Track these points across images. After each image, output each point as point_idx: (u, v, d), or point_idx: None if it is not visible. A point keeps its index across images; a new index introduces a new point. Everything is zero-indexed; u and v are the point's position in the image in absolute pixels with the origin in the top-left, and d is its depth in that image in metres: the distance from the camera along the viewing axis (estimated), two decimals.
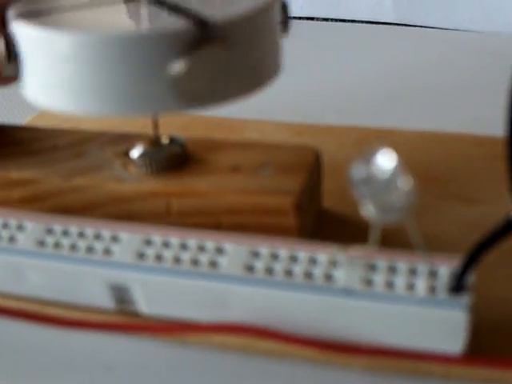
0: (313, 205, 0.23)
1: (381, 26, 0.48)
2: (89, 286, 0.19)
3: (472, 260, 0.18)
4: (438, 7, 0.49)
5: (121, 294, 0.19)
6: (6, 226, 0.20)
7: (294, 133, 0.31)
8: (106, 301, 0.19)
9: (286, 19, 0.21)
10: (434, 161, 0.28)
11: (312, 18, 0.49)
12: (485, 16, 0.48)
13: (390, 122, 0.33)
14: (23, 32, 0.20)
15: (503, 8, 0.48)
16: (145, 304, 0.19)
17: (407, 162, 0.29)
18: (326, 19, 0.49)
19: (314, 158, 0.23)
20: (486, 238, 0.18)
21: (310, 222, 0.23)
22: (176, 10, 0.20)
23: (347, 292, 0.18)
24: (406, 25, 0.48)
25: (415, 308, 0.17)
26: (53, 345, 0.20)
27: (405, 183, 0.16)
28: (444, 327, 0.17)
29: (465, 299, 0.18)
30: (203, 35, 0.18)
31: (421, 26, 0.48)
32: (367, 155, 0.15)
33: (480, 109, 0.34)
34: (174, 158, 0.23)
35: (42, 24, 0.19)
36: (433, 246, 0.22)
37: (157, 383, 0.19)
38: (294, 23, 0.50)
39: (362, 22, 0.49)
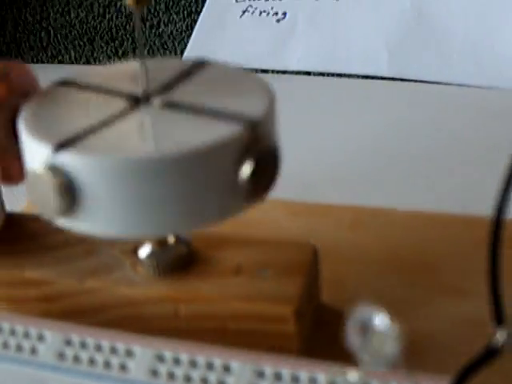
0: (312, 301, 0.25)
1: (376, 80, 0.50)
2: None
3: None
4: (432, 61, 0.50)
5: None
6: (26, 335, 0.22)
7: (290, 212, 0.32)
8: None
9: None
10: (424, 245, 0.30)
11: (309, 73, 0.51)
12: (478, 70, 0.50)
13: (385, 189, 0.35)
14: (82, 163, 0.19)
15: (496, 62, 0.50)
16: None
17: (399, 247, 0.30)
18: (323, 74, 0.51)
19: (312, 256, 0.25)
20: (471, 363, 0.19)
21: (309, 320, 0.25)
22: (217, 113, 0.21)
23: None
24: (401, 79, 0.50)
25: None
26: None
27: (397, 343, 0.17)
28: None
29: None
30: (253, 134, 0.20)
31: (415, 81, 0.50)
32: (361, 317, 0.17)
33: (473, 178, 0.36)
34: (181, 259, 0.24)
35: (99, 151, 0.20)
36: (424, 346, 0.24)
37: None
38: (290, 78, 0.52)
39: (357, 76, 0.50)
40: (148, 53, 0.55)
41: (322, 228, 0.29)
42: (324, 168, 0.38)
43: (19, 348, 0.21)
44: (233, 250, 0.25)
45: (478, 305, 0.26)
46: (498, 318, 0.19)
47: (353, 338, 0.17)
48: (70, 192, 0.19)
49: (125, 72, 0.23)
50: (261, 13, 0.55)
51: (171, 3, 0.58)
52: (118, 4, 0.58)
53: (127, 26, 0.57)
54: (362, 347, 0.17)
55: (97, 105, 0.22)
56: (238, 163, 0.20)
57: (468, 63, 0.50)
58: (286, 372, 0.20)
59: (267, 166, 0.20)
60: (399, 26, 0.52)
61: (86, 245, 0.26)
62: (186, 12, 0.57)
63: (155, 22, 0.57)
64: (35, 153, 0.20)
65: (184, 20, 0.57)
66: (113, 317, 0.24)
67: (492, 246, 0.19)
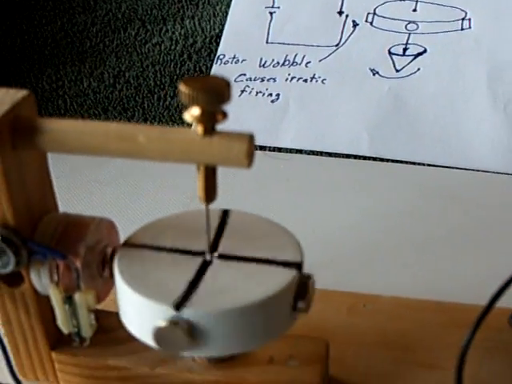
0: (326, 380, 0.33)
1: (358, 160, 0.58)
2: None
3: None
4: (406, 143, 0.59)
5: None
6: None
7: None
8: None
9: (300, 300, 0.30)
10: (404, 327, 0.38)
11: (301, 151, 0.59)
12: (445, 151, 0.58)
13: (368, 269, 0.43)
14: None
15: (461, 145, 0.58)
16: None
17: (385, 330, 0.39)
18: (313, 152, 0.59)
19: (326, 349, 0.33)
20: None
21: None
22: (271, 261, 0.29)
23: None
24: (380, 159, 0.58)
25: None
26: None
27: None
28: None
29: None
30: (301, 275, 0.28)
31: (392, 161, 0.58)
32: None
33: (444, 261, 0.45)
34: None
35: (210, 304, 0.27)
36: None
37: None
38: (283, 156, 0.59)
39: (342, 155, 0.59)
40: (158, 123, 0.62)
41: (325, 314, 0.36)
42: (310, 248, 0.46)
43: None
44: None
45: (446, 375, 0.35)
46: None
47: None
48: (192, 334, 0.27)
49: (183, 228, 0.31)
50: (257, 93, 0.63)
51: (175, 77, 0.65)
52: (127, 75, 0.65)
53: (136, 98, 0.64)
54: None
55: (178, 264, 0.29)
56: (295, 299, 0.28)
57: (437, 145, 0.59)
58: None
59: (310, 293, 0.29)
60: (378, 109, 0.61)
61: None
62: None
63: (162, 95, 0.64)
64: (154, 310, 0.27)
65: None
66: None
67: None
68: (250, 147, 0.26)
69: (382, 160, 0.58)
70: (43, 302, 0.31)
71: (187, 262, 0.29)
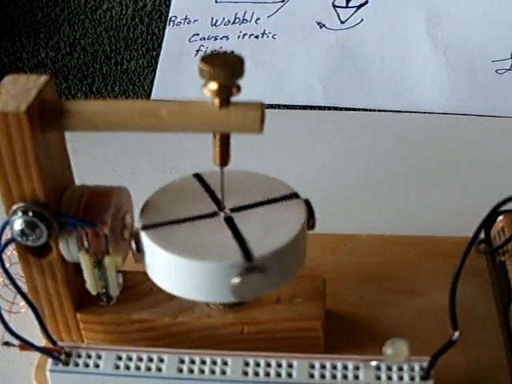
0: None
1: (314, 110, 0.62)
2: None
3: (433, 363, 0.32)
4: (357, 90, 0.63)
5: None
6: (150, 359, 0.33)
7: None
8: None
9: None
10: (384, 261, 0.42)
11: None
12: (393, 96, 0.62)
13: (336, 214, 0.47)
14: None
15: (407, 89, 0.63)
16: None
17: (368, 264, 0.43)
18: (270, 105, 0.62)
19: (323, 285, 0.37)
20: (439, 350, 0.32)
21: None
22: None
23: None
24: (334, 108, 0.62)
25: None
26: None
27: None
28: None
29: (430, 382, 0.32)
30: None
31: (346, 109, 0.62)
32: None
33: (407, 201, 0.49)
34: None
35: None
36: (394, 333, 0.36)
37: None
38: None
39: (298, 107, 0.62)
40: (119, 89, 0.64)
41: (312, 254, 0.40)
42: None
43: (148, 368, 0.32)
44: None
45: (426, 300, 0.39)
46: (454, 325, 0.32)
47: None
48: (265, 275, 0.31)
49: (183, 198, 0.34)
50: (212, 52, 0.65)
51: (129, 41, 0.67)
52: (82, 43, 0.67)
53: (94, 64, 0.66)
54: None
55: (207, 228, 0.32)
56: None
57: (385, 91, 0.63)
58: (318, 363, 0.32)
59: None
60: (327, 60, 0.64)
61: (164, 292, 0.36)
62: (144, 49, 0.67)
63: (119, 59, 0.66)
64: (225, 271, 0.31)
65: (144, 57, 0.66)
66: (196, 337, 0.35)
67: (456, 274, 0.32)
68: (263, 114, 0.29)
69: (335, 109, 0.62)
70: (69, 268, 0.34)
71: (212, 223, 0.32)
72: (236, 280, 0.30)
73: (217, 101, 0.29)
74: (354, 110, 0.62)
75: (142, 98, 0.62)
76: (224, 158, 0.31)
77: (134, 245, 0.33)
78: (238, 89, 0.29)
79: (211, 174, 0.35)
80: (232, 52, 0.28)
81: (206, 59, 0.28)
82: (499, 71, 0.63)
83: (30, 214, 0.30)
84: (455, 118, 0.59)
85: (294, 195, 0.34)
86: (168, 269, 0.32)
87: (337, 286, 0.40)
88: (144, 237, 0.32)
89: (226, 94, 0.28)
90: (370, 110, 0.62)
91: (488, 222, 0.39)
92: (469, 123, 0.59)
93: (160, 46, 0.66)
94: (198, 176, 0.35)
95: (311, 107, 0.62)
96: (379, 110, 0.62)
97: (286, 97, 0.63)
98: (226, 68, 0.28)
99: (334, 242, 0.44)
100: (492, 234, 0.41)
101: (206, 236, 0.32)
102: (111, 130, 0.29)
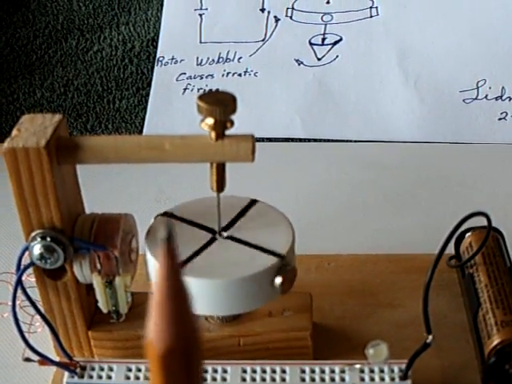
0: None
1: (294, 142, 0.66)
2: None
3: (410, 364, 0.36)
4: (334, 122, 0.67)
5: None
6: None
7: None
8: None
9: None
10: (365, 279, 0.46)
11: None
12: (368, 128, 0.67)
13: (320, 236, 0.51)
14: None
15: (380, 120, 0.67)
16: None
17: (350, 281, 0.47)
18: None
19: (310, 300, 0.41)
20: (415, 353, 0.36)
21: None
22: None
23: None
24: (314, 139, 0.66)
25: None
26: None
27: None
28: None
29: (409, 382, 0.36)
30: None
31: (324, 140, 0.66)
32: None
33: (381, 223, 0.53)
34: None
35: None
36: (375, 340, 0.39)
37: None
38: None
39: (280, 139, 0.66)
40: (112, 126, 0.68)
41: (299, 274, 0.44)
42: None
43: None
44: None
45: (404, 311, 0.43)
46: (428, 329, 0.36)
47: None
48: None
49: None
50: (198, 90, 0.70)
51: (120, 81, 0.71)
52: (75, 83, 0.71)
53: (88, 103, 0.69)
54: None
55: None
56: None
57: (360, 122, 0.67)
58: (308, 368, 0.36)
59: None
60: (306, 95, 0.69)
61: None
62: (134, 88, 0.71)
63: (111, 98, 0.70)
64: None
65: (135, 96, 0.70)
66: None
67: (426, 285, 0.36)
68: (253, 145, 0.33)
69: (315, 140, 0.67)
70: (81, 289, 0.37)
71: (219, 246, 0.36)
72: (278, 279, 0.34)
73: (213, 134, 0.33)
74: (331, 141, 0.66)
75: (134, 134, 0.66)
76: (220, 185, 0.35)
77: None
78: (232, 123, 0.33)
79: (176, 209, 0.38)
80: (226, 92, 0.32)
81: (202, 97, 0.32)
82: (466, 101, 0.68)
83: (48, 239, 0.34)
84: (425, 146, 0.64)
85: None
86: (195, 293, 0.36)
87: (322, 301, 0.44)
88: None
89: (221, 128, 0.32)
90: (347, 141, 0.66)
91: (454, 238, 0.43)
92: (438, 150, 0.63)
93: (149, 85, 0.70)
94: (168, 214, 0.38)
95: (292, 139, 0.66)
96: (355, 141, 0.66)
97: (268, 130, 0.67)
98: (220, 105, 0.32)
99: (318, 261, 0.48)
100: (461, 249, 0.45)
101: (223, 255, 0.36)
102: (119, 162, 0.33)
